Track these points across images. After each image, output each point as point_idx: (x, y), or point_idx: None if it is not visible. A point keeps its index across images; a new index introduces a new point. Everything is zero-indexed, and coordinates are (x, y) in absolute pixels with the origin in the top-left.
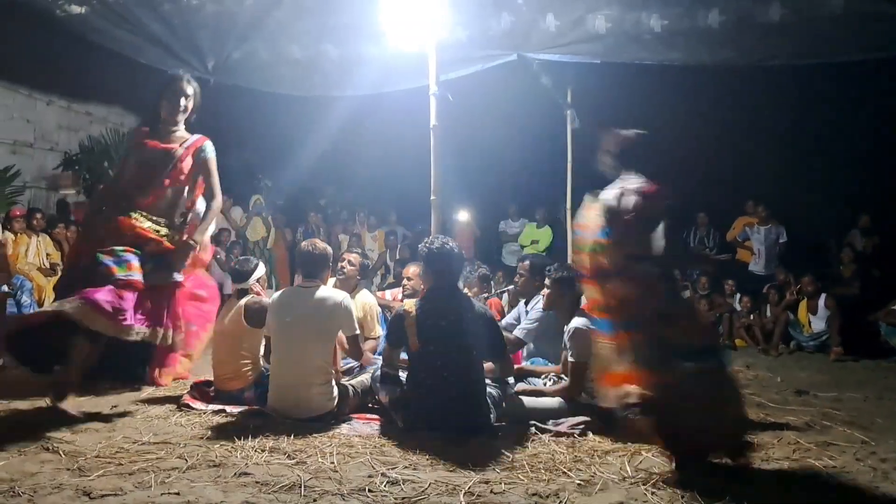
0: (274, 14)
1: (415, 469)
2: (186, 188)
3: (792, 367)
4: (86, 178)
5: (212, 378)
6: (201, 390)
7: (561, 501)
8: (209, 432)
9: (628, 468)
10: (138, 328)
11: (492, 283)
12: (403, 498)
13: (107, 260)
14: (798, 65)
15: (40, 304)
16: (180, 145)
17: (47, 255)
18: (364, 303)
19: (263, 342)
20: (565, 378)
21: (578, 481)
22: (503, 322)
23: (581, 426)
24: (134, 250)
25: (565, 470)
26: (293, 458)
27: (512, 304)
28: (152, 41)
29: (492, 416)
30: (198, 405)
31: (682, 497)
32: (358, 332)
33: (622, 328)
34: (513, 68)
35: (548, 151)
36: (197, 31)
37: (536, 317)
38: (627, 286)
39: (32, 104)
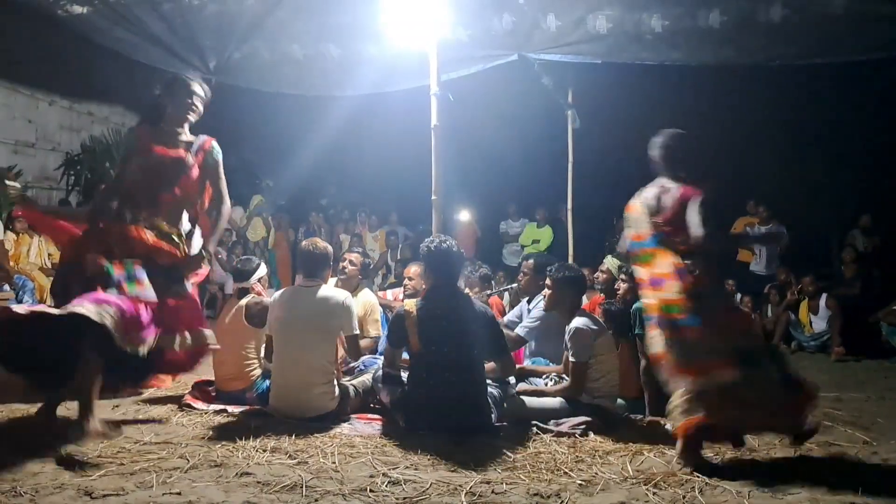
0: (275, 14)
1: (416, 469)
2: (195, 194)
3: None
4: (88, 179)
5: (213, 378)
6: (202, 390)
7: (562, 501)
8: (211, 432)
9: (629, 468)
10: (150, 341)
11: (493, 282)
12: (405, 498)
13: (117, 274)
14: (799, 65)
15: (42, 304)
16: (189, 151)
17: (49, 254)
18: (365, 302)
19: (265, 342)
20: (566, 378)
21: (580, 481)
22: (505, 319)
23: (582, 426)
24: (143, 263)
25: (567, 470)
26: (295, 458)
27: (513, 304)
28: (154, 41)
29: (493, 415)
30: (199, 405)
31: (683, 497)
32: (357, 332)
33: (682, 325)
34: (514, 68)
35: (549, 151)
36: (198, 31)
37: (538, 315)
38: (684, 284)
39: (34, 104)
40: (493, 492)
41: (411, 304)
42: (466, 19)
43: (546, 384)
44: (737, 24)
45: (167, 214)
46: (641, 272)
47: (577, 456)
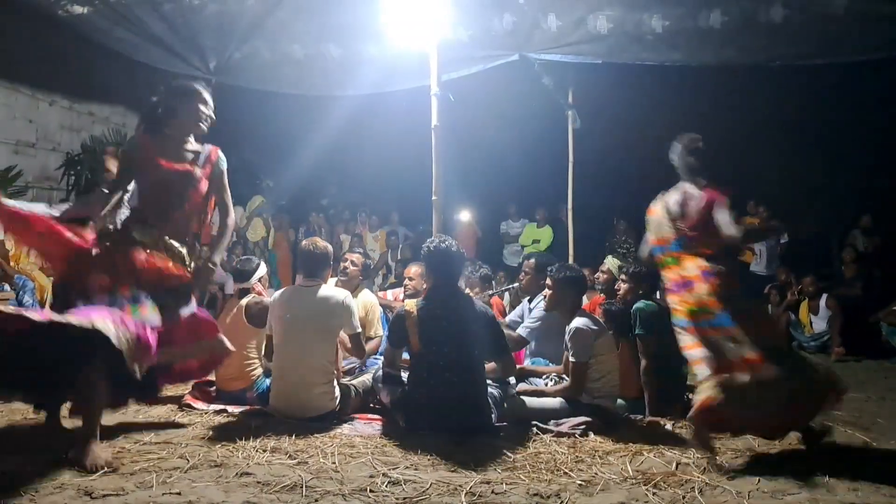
0: (276, 14)
1: (416, 469)
2: (202, 207)
3: None
4: (88, 179)
5: (213, 378)
6: (203, 390)
7: (562, 502)
8: (211, 432)
9: (629, 469)
10: (149, 362)
11: (493, 283)
12: (405, 498)
13: (122, 297)
14: (799, 65)
15: (42, 305)
16: (196, 163)
17: None
18: (366, 302)
19: (265, 341)
20: (567, 378)
21: (580, 482)
22: (507, 319)
23: (582, 426)
24: (150, 290)
25: (566, 470)
26: (295, 459)
27: (513, 304)
28: (154, 41)
29: (493, 416)
30: (199, 405)
31: (683, 497)
32: (360, 329)
33: (716, 325)
34: (514, 68)
35: (549, 151)
36: (199, 31)
37: (538, 315)
38: (712, 286)
39: (35, 104)
40: (493, 492)
41: (412, 305)
42: (467, 19)
43: (546, 384)
44: (737, 24)
45: (176, 231)
46: (667, 276)
47: (577, 456)
